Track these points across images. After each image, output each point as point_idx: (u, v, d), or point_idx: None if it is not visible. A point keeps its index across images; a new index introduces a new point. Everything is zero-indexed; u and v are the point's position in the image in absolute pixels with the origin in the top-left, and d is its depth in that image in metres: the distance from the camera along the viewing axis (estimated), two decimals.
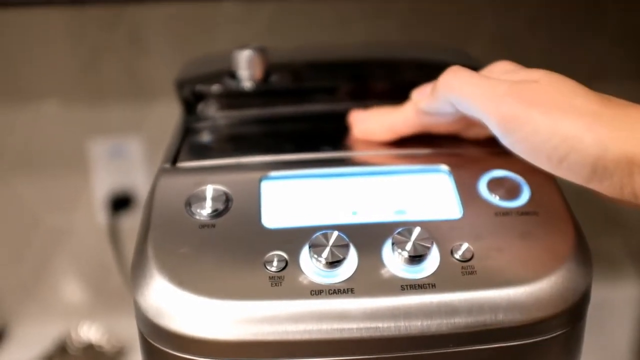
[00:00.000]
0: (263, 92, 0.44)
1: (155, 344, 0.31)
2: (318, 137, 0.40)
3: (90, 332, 0.90)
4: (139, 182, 0.90)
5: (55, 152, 0.87)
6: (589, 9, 0.83)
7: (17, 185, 0.88)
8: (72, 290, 0.95)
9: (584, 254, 0.32)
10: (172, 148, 0.39)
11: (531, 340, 0.31)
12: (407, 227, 0.31)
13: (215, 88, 0.44)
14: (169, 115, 0.85)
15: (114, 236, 0.86)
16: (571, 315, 0.31)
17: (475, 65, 0.43)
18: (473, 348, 0.30)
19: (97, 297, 0.95)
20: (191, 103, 0.45)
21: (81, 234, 0.91)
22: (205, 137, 0.42)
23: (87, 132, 0.87)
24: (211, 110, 0.45)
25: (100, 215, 0.90)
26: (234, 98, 0.44)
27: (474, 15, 0.81)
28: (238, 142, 0.42)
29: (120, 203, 0.90)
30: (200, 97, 0.45)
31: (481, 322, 0.30)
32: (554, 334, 0.31)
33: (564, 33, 0.84)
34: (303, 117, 0.44)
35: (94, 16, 0.80)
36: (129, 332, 0.91)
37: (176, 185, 0.35)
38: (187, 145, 0.40)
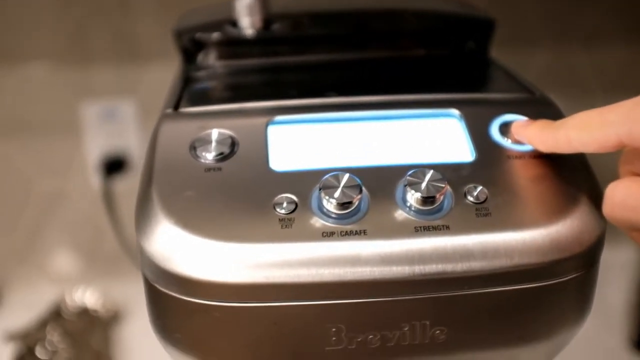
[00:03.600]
0: (264, 40, 0.43)
1: (162, 289, 0.30)
2: (322, 84, 0.39)
3: (84, 297, 0.90)
4: (132, 145, 0.88)
5: (47, 116, 0.86)
6: None
7: (8, 150, 0.87)
8: (66, 255, 0.94)
9: (598, 198, 0.32)
10: (174, 94, 0.38)
11: (545, 283, 0.30)
12: (420, 169, 0.30)
13: (215, 36, 0.43)
14: (161, 77, 0.83)
15: (108, 199, 0.85)
16: (586, 259, 0.31)
17: (476, 14, 0.42)
18: (487, 290, 0.30)
19: (92, 262, 0.94)
20: (190, 52, 0.44)
21: (74, 198, 0.90)
22: (207, 85, 0.41)
23: (79, 95, 0.85)
24: (211, 59, 0.44)
25: (94, 178, 0.89)
26: (234, 46, 0.43)
27: None
28: (241, 89, 0.40)
29: (114, 166, 0.88)
30: (200, 46, 0.43)
31: (496, 265, 0.29)
32: (569, 277, 0.30)
33: None
34: (304, 65, 0.43)
35: None
36: (124, 296, 0.91)
37: (180, 129, 0.34)
38: (188, 93, 0.39)
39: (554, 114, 0.35)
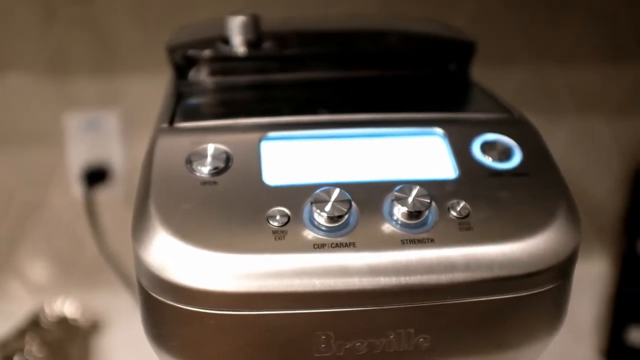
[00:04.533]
0: (255, 58, 0.44)
1: (158, 297, 0.31)
2: (312, 102, 0.41)
3: (64, 307, 0.90)
4: (115, 156, 0.89)
5: (29, 127, 0.86)
6: None
7: None
8: (45, 265, 0.94)
9: (573, 214, 0.34)
10: (167, 109, 0.39)
11: (524, 293, 0.32)
12: (406, 185, 0.32)
13: (207, 53, 0.44)
14: (144, 89, 0.84)
15: (90, 209, 0.86)
16: (561, 271, 0.33)
17: (458, 37, 0.44)
18: (469, 300, 0.31)
19: (71, 272, 0.94)
20: (182, 68, 0.45)
21: (55, 208, 0.90)
22: (199, 100, 0.42)
23: (61, 106, 0.86)
24: (202, 75, 0.45)
25: (75, 189, 0.89)
26: (226, 63, 0.44)
27: None
28: (233, 105, 0.42)
29: (96, 176, 0.89)
30: (192, 62, 0.45)
31: (478, 276, 0.31)
32: (545, 288, 0.32)
33: (540, 14, 0.86)
34: (294, 83, 0.45)
35: None
36: (103, 307, 0.91)
37: (175, 144, 0.35)
38: (181, 108, 0.40)
39: (532, 134, 0.37)
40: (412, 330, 0.31)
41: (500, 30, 0.84)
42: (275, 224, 0.31)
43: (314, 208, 0.31)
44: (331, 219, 0.31)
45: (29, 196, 0.89)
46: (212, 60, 0.44)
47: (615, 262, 0.84)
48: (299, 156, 0.35)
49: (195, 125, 0.37)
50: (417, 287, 0.31)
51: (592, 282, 0.97)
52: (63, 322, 0.88)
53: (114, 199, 0.90)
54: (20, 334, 0.85)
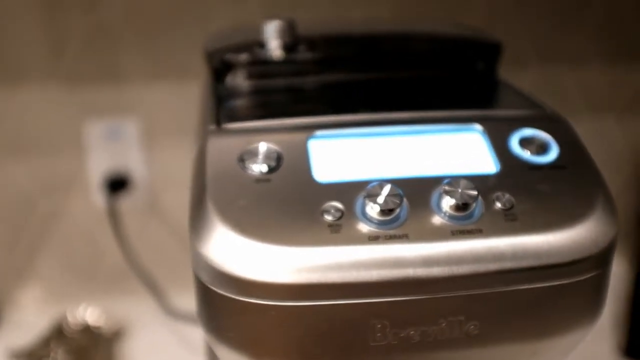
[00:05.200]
0: (290, 62, 0.46)
1: (218, 291, 0.32)
2: (351, 102, 0.42)
3: (86, 314, 0.91)
4: (135, 164, 0.90)
5: (50, 136, 0.88)
6: None
7: (12, 169, 0.88)
8: (67, 273, 0.95)
9: (611, 204, 0.35)
10: (211, 112, 0.41)
11: (567, 281, 0.33)
12: (454, 179, 0.33)
13: (244, 57, 0.46)
14: (163, 98, 0.86)
15: (113, 216, 0.87)
16: (601, 259, 0.34)
17: (485, 38, 0.46)
18: (516, 288, 0.33)
19: (93, 279, 0.96)
20: (220, 71, 0.46)
21: (76, 216, 0.92)
22: (240, 103, 0.44)
23: (81, 115, 0.87)
24: (239, 79, 0.46)
25: (96, 197, 0.91)
26: (263, 67, 0.46)
27: None
28: (275, 106, 0.43)
29: (117, 184, 0.90)
30: (229, 67, 0.46)
31: (524, 264, 0.32)
32: (587, 276, 0.34)
33: (551, 18, 0.88)
34: (331, 84, 0.46)
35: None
36: (126, 313, 0.92)
37: (226, 144, 0.36)
38: (224, 110, 0.42)
39: (566, 129, 0.39)
40: (462, 318, 0.33)
41: (512, 32, 0.86)
42: (330, 217, 0.33)
43: (366, 202, 0.32)
44: (384, 212, 0.32)
45: (50, 204, 0.91)
46: (250, 64, 0.46)
47: (632, 260, 0.85)
48: (346, 154, 0.36)
49: (243, 126, 0.38)
50: (467, 276, 0.32)
51: (612, 282, 0.98)
52: (86, 329, 0.89)
53: (135, 206, 0.92)
54: (45, 342, 0.86)
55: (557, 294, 0.34)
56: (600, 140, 0.97)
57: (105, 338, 0.88)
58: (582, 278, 0.34)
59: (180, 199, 0.91)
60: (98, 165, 0.90)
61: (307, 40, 0.46)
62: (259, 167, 0.35)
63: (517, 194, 0.34)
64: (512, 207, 0.34)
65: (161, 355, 0.86)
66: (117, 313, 0.93)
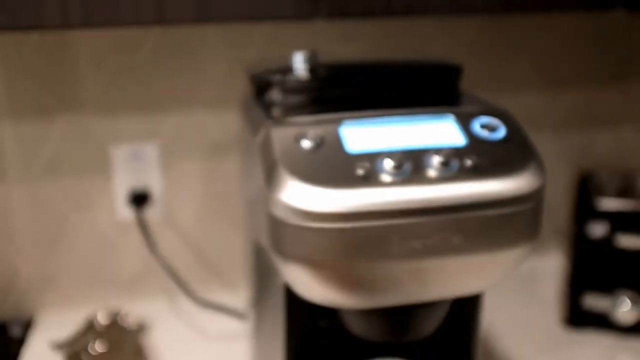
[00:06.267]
0: (314, 80, 0.64)
1: (290, 222, 0.49)
2: (362, 105, 0.60)
3: (113, 313, 1.03)
4: (155, 181, 1.05)
5: (80, 158, 1.02)
6: (514, 28, 1.08)
7: (48, 189, 1.01)
8: (95, 278, 1.08)
9: (540, 163, 0.54)
10: (262, 114, 0.58)
11: (516, 209, 0.52)
12: (438, 148, 0.52)
13: (279, 77, 0.63)
14: (178, 125, 1.02)
15: (142, 225, 1.02)
16: (536, 196, 0.53)
17: (450, 62, 0.65)
18: (485, 213, 0.51)
19: (119, 283, 1.09)
20: (262, 89, 0.64)
21: (103, 228, 1.05)
22: (281, 109, 0.61)
23: (109, 140, 1.02)
24: (275, 94, 0.64)
25: (121, 211, 1.05)
26: (294, 84, 0.63)
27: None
28: (307, 109, 0.61)
29: (139, 199, 1.05)
30: (269, 84, 0.64)
31: (489, 197, 0.51)
32: (528, 207, 0.52)
33: (494, 54, 1.09)
34: (342, 96, 0.64)
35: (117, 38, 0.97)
36: (147, 311, 1.06)
37: (284, 130, 0.54)
38: (272, 113, 0.59)
39: (510, 117, 0.57)
40: (449, 234, 0.50)
41: (467, 66, 1.06)
42: (361, 171, 0.50)
43: (384, 162, 0.50)
44: (395, 167, 0.50)
45: (80, 218, 1.04)
46: (283, 82, 0.63)
47: (568, 252, 1.04)
48: (367, 135, 0.54)
49: (292, 120, 0.56)
50: (451, 206, 0.50)
51: (552, 271, 1.18)
52: (114, 324, 1.01)
53: (155, 218, 1.06)
54: (80, 335, 0.99)
55: (509, 218, 0.52)
56: (540, 153, 1.18)
57: (131, 331, 1.01)
58: (525, 207, 0.52)
59: (191, 211, 1.07)
60: (122, 183, 1.04)
61: (325, 66, 0.64)
62: (309, 144, 0.52)
63: (479, 157, 0.53)
64: (477, 165, 0.52)
65: (181, 344, 1.00)
66: (140, 311, 1.06)
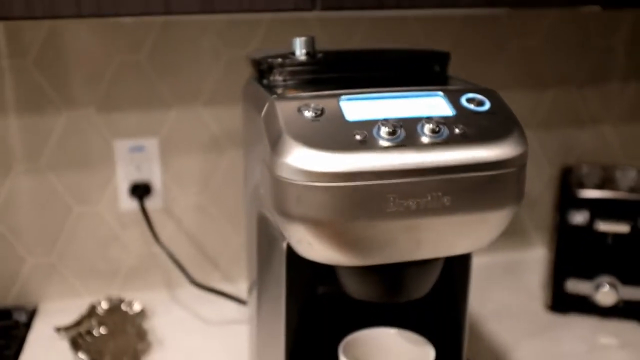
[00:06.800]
0: (312, 63, 0.69)
1: (294, 182, 0.54)
2: (356, 83, 0.65)
3: (115, 301, 1.07)
4: (155, 174, 1.10)
5: (85, 152, 1.06)
6: (497, 30, 1.14)
7: (54, 181, 1.05)
8: (98, 269, 1.12)
9: (522, 131, 0.59)
10: (265, 93, 0.63)
11: (501, 172, 0.57)
12: (430, 117, 0.57)
13: (280, 61, 0.68)
14: (178, 121, 1.07)
15: (145, 216, 1.06)
16: (519, 160, 0.58)
17: (438, 50, 0.70)
18: (472, 174, 0.56)
19: (120, 274, 1.13)
20: (263, 72, 0.69)
21: (106, 218, 1.09)
22: (283, 88, 0.66)
23: (112, 135, 1.07)
24: (276, 76, 0.69)
25: (123, 203, 1.09)
26: (293, 67, 0.68)
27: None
28: (307, 87, 0.66)
29: (140, 191, 1.09)
30: (270, 68, 0.69)
31: (477, 160, 0.56)
32: (512, 170, 0.57)
33: (478, 54, 1.15)
34: (337, 78, 0.69)
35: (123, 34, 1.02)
36: (148, 301, 1.10)
37: (287, 103, 0.58)
38: (273, 91, 0.64)
39: (494, 94, 0.62)
40: (440, 194, 0.55)
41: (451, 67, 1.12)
42: (359, 137, 0.55)
43: (380, 128, 0.55)
44: (390, 132, 0.55)
45: (83, 210, 1.08)
46: (283, 65, 0.68)
47: (550, 245, 1.09)
48: (361, 107, 0.59)
49: (294, 95, 0.60)
50: (441, 167, 0.55)
51: (537, 264, 1.23)
52: (116, 310, 1.05)
53: (155, 208, 1.11)
54: (83, 319, 1.02)
55: (494, 181, 0.57)
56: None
57: (132, 316, 1.04)
58: (508, 171, 0.57)
59: (189, 203, 1.11)
60: (125, 176, 1.09)
61: (322, 51, 0.69)
62: (311, 114, 0.57)
63: (467, 126, 0.58)
64: (464, 132, 0.57)
65: (182, 328, 1.04)
66: (140, 297, 1.10)
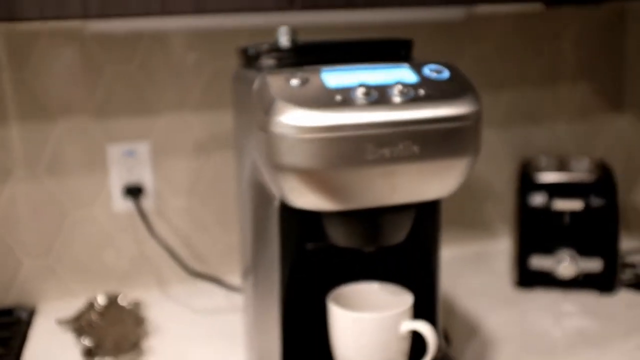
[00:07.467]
0: (294, 50, 0.79)
1: (288, 136, 0.63)
2: (334, 61, 0.75)
3: (111, 297, 1.13)
4: (147, 177, 1.17)
5: (79, 156, 1.13)
6: (456, 35, 1.26)
7: (49, 185, 1.12)
8: (92, 267, 1.18)
9: (476, 93, 0.70)
10: (254, 72, 0.73)
11: (458, 125, 0.67)
12: (399, 82, 0.67)
13: (266, 47, 0.78)
14: (168, 126, 1.15)
15: (141, 214, 1.13)
16: (474, 116, 0.68)
17: (403, 38, 0.81)
18: (436, 127, 0.65)
19: (116, 273, 1.19)
20: (251, 59, 0.79)
21: (100, 221, 1.16)
22: (271, 69, 0.76)
23: (105, 139, 1.14)
24: (263, 62, 0.79)
25: (116, 205, 1.16)
26: (278, 52, 0.78)
27: None
28: (292, 66, 0.75)
29: (133, 192, 1.16)
30: (257, 56, 0.79)
31: (438, 115, 0.66)
32: (468, 123, 0.67)
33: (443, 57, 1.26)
34: (319, 60, 0.79)
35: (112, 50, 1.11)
36: (142, 296, 1.16)
37: (276, 76, 0.68)
38: (263, 70, 0.74)
39: (453, 65, 0.73)
40: (410, 143, 0.65)
41: None
42: (339, 97, 0.65)
43: (357, 90, 0.65)
44: (364, 94, 0.65)
45: (79, 212, 1.15)
46: (269, 51, 0.78)
47: (514, 238, 1.19)
48: (340, 77, 0.69)
49: (282, 70, 0.70)
50: (410, 121, 0.65)
51: (502, 253, 1.33)
52: (113, 304, 1.11)
53: (147, 210, 1.18)
54: (82, 313, 1.08)
55: (455, 132, 0.67)
56: (485, 149, 1.34)
57: (127, 310, 1.10)
58: (466, 125, 0.67)
59: (179, 204, 1.19)
60: (118, 179, 1.16)
61: (303, 41, 0.79)
62: (297, 82, 0.67)
63: (430, 89, 0.68)
64: (428, 93, 0.67)
65: (178, 318, 1.11)
66: (134, 294, 1.16)
